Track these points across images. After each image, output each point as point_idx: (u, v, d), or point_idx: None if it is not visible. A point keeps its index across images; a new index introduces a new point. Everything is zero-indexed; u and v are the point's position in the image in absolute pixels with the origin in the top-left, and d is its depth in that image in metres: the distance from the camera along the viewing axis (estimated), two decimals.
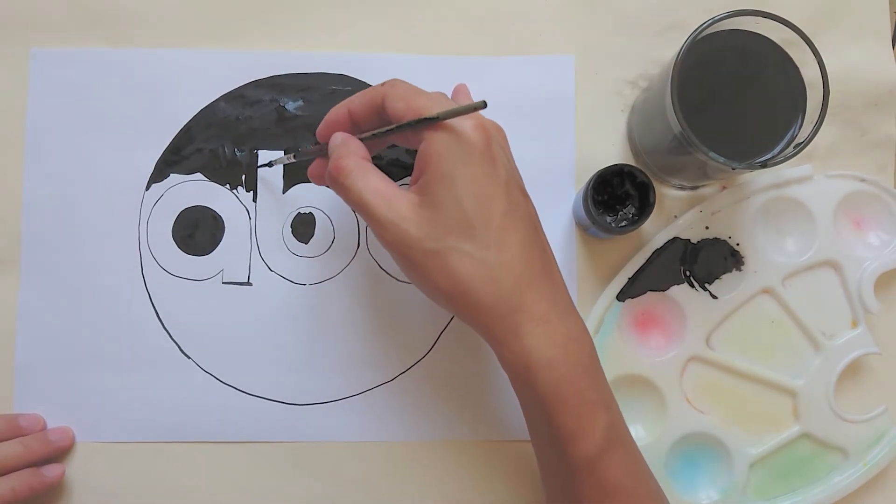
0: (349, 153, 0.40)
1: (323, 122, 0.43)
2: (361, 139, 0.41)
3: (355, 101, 0.42)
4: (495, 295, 0.37)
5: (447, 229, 0.37)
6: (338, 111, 0.42)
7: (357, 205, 0.39)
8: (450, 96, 0.50)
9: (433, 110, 0.38)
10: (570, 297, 0.40)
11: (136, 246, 0.50)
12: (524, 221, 0.39)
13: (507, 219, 0.38)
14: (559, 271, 0.40)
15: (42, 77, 0.50)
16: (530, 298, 0.38)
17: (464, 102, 0.38)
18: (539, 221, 0.41)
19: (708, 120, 0.42)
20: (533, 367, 0.37)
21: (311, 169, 0.45)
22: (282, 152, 0.50)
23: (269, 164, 0.49)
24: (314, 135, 0.50)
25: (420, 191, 0.38)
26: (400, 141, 0.42)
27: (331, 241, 0.50)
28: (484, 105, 0.36)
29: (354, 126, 0.42)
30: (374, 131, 0.41)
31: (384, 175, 0.40)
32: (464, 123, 0.38)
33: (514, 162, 0.41)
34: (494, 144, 0.38)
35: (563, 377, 0.37)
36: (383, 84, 0.41)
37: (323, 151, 0.43)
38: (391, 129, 0.40)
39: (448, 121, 0.38)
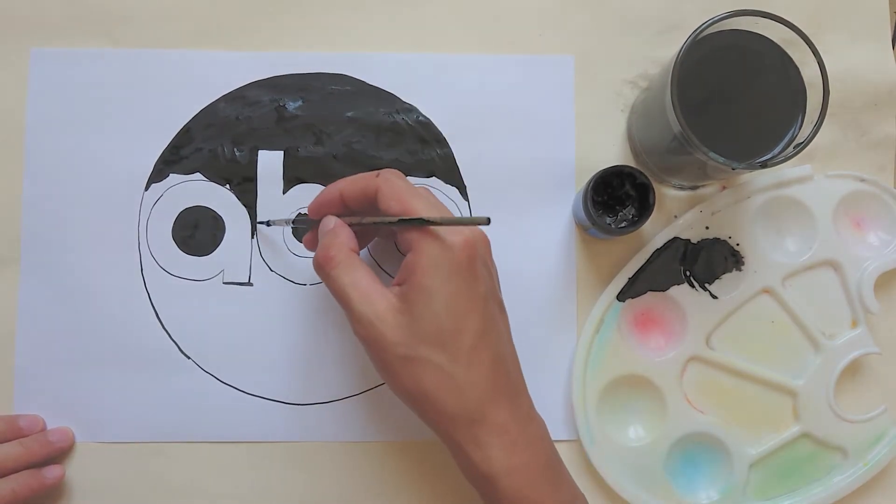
0: (338, 244, 0.41)
1: (315, 200, 0.44)
2: (351, 224, 0.42)
3: (349, 187, 0.42)
4: (459, 407, 0.38)
5: (421, 339, 0.38)
6: (330, 192, 0.43)
7: (339, 297, 0.40)
8: (449, 98, 0.50)
9: (426, 214, 0.39)
10: (530, 401, 0.41)
11: (136, 246, 0.50)
12: (497, 339, 0.40)
13: (481, 338, 0.39)
14: (523, 380, 0.41)
15: (42, 77, 0.50)
16: (492, 411, 0.39)
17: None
18: (510, 335, 0.42)
19: (708, 120, 0.42)
20: (494, 476, 0.38)
21: (306, 238, 0.46)
22: (280, 153, 0.50)
23: (268, 224, 0.49)
24: (314, 134, 0.50)
25: (401, 297, 0.39)
26: (389, 239, 0.42)
27: None
28: (487, 221, 0.36)
29: (345, 208, 0.43)
30: (364, 220, 0.41)
31: (369, 270, 0.40)
32: (452, 239, 0.38)
33: (495, 272, 0.42)
34: (479, 261, 0.39)
35: (525, 484, 0.38)
36: (378, 174, 0.41)
37: (318, 223, 0.44)
38: (381, 222, 0.40)
39: (437, 234, 0.38)
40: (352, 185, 0.42)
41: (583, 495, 0.42)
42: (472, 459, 0.38)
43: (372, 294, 0.39)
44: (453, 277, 0.38)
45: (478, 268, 0.39)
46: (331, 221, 0.42)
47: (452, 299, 0.38)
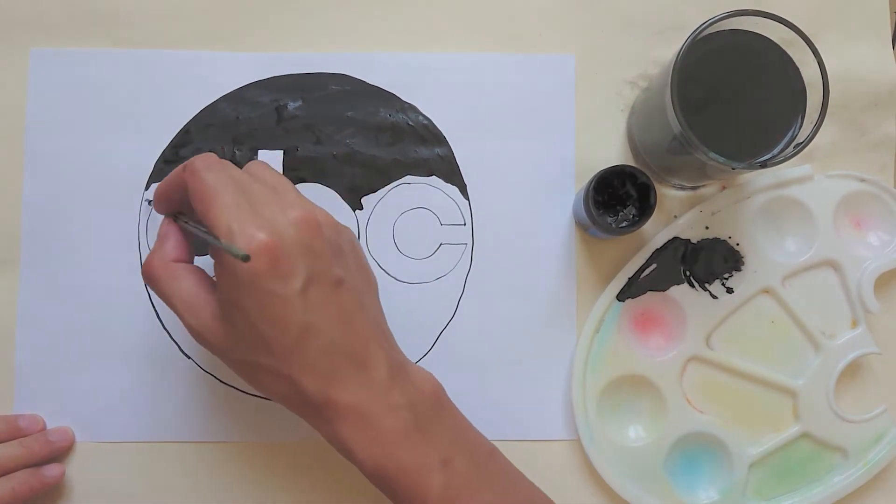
0: (162, 255, 0.40)
1: (156, 192, 0.42)
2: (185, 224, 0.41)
3: (163, 184, 0.41)
4: (300, 400, 0.38)
5: (247, 345, 0.37)
6: (162, 186, 0.41)
7: (168, 306, 0.40)
8: (449, 97, 0.50)
9: (220, 224, 0.36)
10: (393, 363, 0.38)
11: (136, 246, 0.50)
12: (328, 322, 0.37)
13: (305, 330, 0.36)
14: (381, 343, 0.39)
15: (42, 77, 0.50)
16: (335, 394, 0.37)
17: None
18: (360, 302, 0.39)
19: (708, 120, 0.42)
20: (354, 454, 0.37)
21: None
22: (280, 153, 0.50)
23: (149, 202, 0.49)
24: (314, 134, 0.50)
25: (220, 304, 0.38)
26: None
27: None
28: (246, 258, 0.34)
29: (177, 206, 0.42)
30: (186, 226, 0.41)
31: (197, 276, 0.40)
32: (249, 247, 0.35)
33: (331, 241, 0.38)
34: (285, 259, 0.36)
35: (383, 454, 0.37)
36: (185, 166, 0.39)
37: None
38: (192, 231, 0.40)
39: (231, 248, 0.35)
40: (167, 182, 0.41)
41: (490, 445, 0.41)
42: (335, 445, 0.38)
43: (195, 305, 0.39)
44: (255, 287, 0.36)
45: (284, 267, 0.36)
46: (162, 227, 0.42)
47: (261, 308, 0.36)
